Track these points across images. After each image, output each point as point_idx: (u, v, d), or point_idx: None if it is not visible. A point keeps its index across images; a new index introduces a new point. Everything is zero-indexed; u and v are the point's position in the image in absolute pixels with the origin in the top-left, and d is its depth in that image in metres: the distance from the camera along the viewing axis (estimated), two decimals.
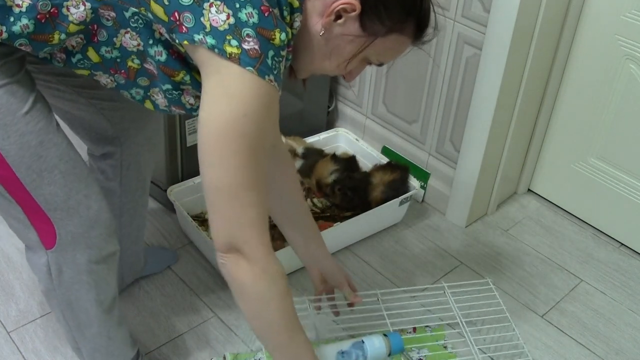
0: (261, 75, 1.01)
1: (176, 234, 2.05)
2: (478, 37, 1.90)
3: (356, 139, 2.31)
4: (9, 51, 1.10)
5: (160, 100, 1.19)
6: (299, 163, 2.14)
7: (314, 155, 2.16)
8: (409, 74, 2.15)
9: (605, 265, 2.06)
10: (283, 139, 2.12)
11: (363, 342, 1.41)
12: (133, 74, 1.15)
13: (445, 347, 1.72)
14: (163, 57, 1.10)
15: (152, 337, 1.72)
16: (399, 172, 2.09)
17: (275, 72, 1.03)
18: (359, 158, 2.21)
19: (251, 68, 1.00)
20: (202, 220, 2.04)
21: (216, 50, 1.00)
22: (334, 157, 2.15)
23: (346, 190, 2.06)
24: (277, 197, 1.45)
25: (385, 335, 1.44)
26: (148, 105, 1.22)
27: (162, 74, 1.12)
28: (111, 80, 1.18)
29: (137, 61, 1.13)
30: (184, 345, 1.71)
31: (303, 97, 2.30)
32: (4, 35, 1.05)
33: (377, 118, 2.35)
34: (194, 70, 1.11)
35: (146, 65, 1.14)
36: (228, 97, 1.02)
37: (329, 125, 2.48)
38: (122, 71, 1.15)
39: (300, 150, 2.17)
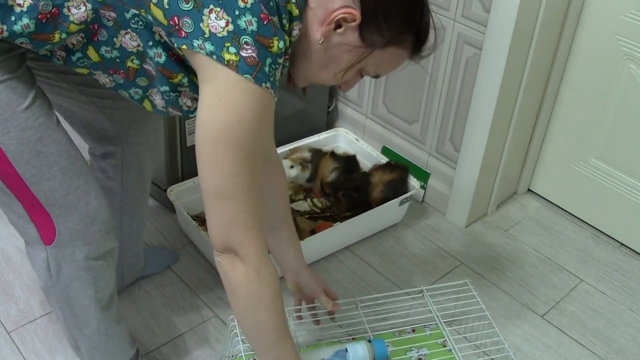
0: (258, 83, 1.02)
1: (176, 234, 2.05)
2: (478, 37, 1.90)
3: (356, 139, 2.31)
4: (9, 47, 1.10)
5: (158, 100, 1.20)
6: (308, 172, 2.14)
7: (317, 156, 2.17)
8: (409, 74, 2.15)
9: (605, 265, 2.06)
10: (286, 154, 2.14)
11: (346, 350, 1.41)
12: (132, 74, 1.16)
13: (444, 346, 1.72)
14: (162, 59, 1.10)
15: (152, 337, 1.72)
16: (398, 172, 2.09)
17: (272, 80, 1.04)
18: (359, 158, 2.22)
19: (248, 76, 1.01)
20: (202, 220, 2.04)
21: (214, 56, 1.01)
22: (333, 154, 2.15)
23: (351, 192, 2.06)
24: (264, 205, 1.46)
25: (369, 341, 1.44)
26: (146, 105, 1.22)
27: (161, 75, 1.12)
28: (110, 80, 1.18)
29: (136, 62, 1.14)
30: (184, 345, 1.71)
31: (303, 97, 2.30)
32: (5, 34, 1.05)
33: (377, 118, 2.35)
34: (192, 73, 1.11)
35: (145, 66, 1.14)
36: (224, 104, 1.03)
37: (329, 125, 2.48)
38: (121, 71, 1.15)
39: (307, 154, 2.16)
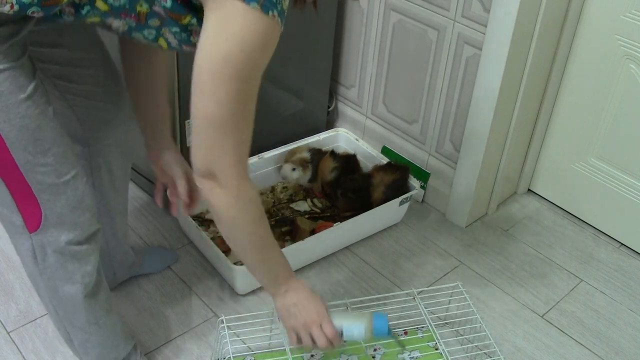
0: (265, 11, 1.02)
1: (176, 234, 2.05)
2: (478, 37, 1.90)
3: (356, 139, 2.31)
4: (14, 31, 1.10)
5: (172, 39, 1.20)
6: (309, 172, 2.13)
7: (317, 156, 2.16)
8: (409, 74, 2.15)
9: (605, 265, 2.06)
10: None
11: (342, 331, 1.38)
12: (143, 17, 1.16)
13: (436, 349, 1.72)
14: (168, 4, 1.11)
15: (152, 337, 1.72)
16: (399, 172, 2.09)
17: (278, 8, 1.04)
18: (359, 157, 2.21)
19: (255, 4, 1.01)
20: (202, 220, 2.04)
21: None
22: (332, 153, 2.15)
23: (347, 193, 2.07)
24: (142, 72, 1.43)
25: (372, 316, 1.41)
26: (162, 42, 1.22)
27: (170, 18, 1.14)
28: (123, 24, 1.18)
29: (145, 5, 1.14)
30: (184, 345, 1.71)
31: (303, 97, 2.30)
32: (15, 7, 1.05)
33: (377, 118, 2.35)
34: (200, 12, 1.12)
35: (155, 9, 1.15)
36: (228, 32, 1.03)
37: (329, 125, 2.48)
38: (132, 15, 1.16)
39: (307, 154, 2.15)
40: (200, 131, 1.12)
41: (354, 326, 1.39)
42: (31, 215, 1.23)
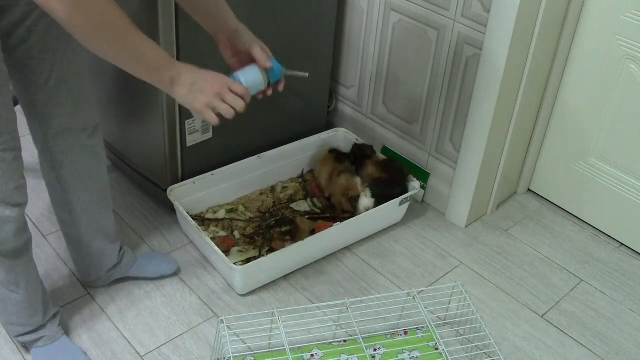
0: None
1: (176, 234, 2.05)
2: (478, 37, 1.90)
3: (356, 139, 2.31)
4: None
5: None
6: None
7: (362, 172, 2.14)
8: (409, 74, 2.15)
9: (605, 265, 2.06)
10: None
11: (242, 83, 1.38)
12: None
13: (436, 349, 1.72)
14: None
15: (152, 337, 1.72)
16: (388, 173, 2.09)
17: None
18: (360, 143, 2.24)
19: None
20: (202, 220, 2.04)
21: None
22: (373, 162, 2.15)
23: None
24: None
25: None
26: None
27: None
28: None
29: None
30: (184, 345, 1.71)
31: (303, 97, 2.30)
32: None
33: (377, 118, 2.35)
34: None
35: None
36: None
37: (329, 125, 2.48)
38: None
39: (357, 178, 2.12)
40: None
41: (248, 72, 1.39)
42: None
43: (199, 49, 1.76)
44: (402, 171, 2.13)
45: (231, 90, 1.31)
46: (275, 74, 1.43)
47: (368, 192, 2.04)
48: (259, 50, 1.42)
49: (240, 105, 1.32)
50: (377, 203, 2.02)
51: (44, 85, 1.44)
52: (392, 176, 2.09)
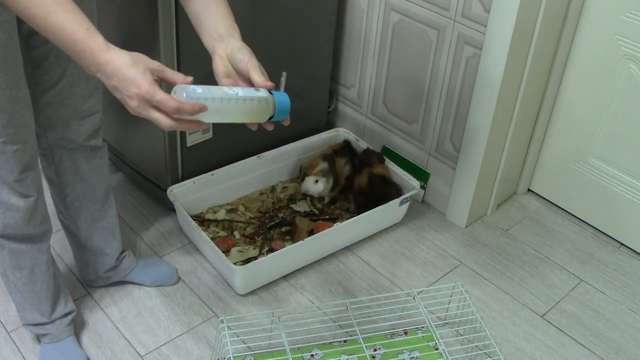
0: None
1: (176, 234, 2.05)
2: (478, 37, 1.90)
3: (356, 139, 2.31)
4: None
5: None
6: (331, 179, 2.11)
7: (331, 162, 2.15)
8: (409, 74, 2.15)
9: (605, 265, 2.06)
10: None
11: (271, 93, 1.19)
12: None
13: (436, 349, 1.72)
14: None
15: (152, 337, 1.72)
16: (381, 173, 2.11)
17: None
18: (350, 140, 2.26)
19: None
20: (202, 220, 2.04)
21: None
22: (335, 152, 2.17)
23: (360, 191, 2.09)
24: None
25: (271, 93, 1.20)
26: None
27: None
28: None
29: None
30: (184, 346, 1.71)
31: (303, 97, 2.30)
32: None
33: (377, 118, 2.35)
34: None
35: None
36: None
37: (329, 125, 2.48)
38: None
39: (324, 164, 2.13)
40: None
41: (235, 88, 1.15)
42: None
43: (200, 57, 1.76)
44: (387, 194, 2.07)
45: (156, 106, 1.05)
46: (282, 107, 1.21)
47: (321, 180, 2.06)
48: (258, 76, 1.22)
49: (169, 123, 1.05)
50: (358, 211, 2.05)
51: (52, 87, 1.45)
52: (374, 191, 2.07)
